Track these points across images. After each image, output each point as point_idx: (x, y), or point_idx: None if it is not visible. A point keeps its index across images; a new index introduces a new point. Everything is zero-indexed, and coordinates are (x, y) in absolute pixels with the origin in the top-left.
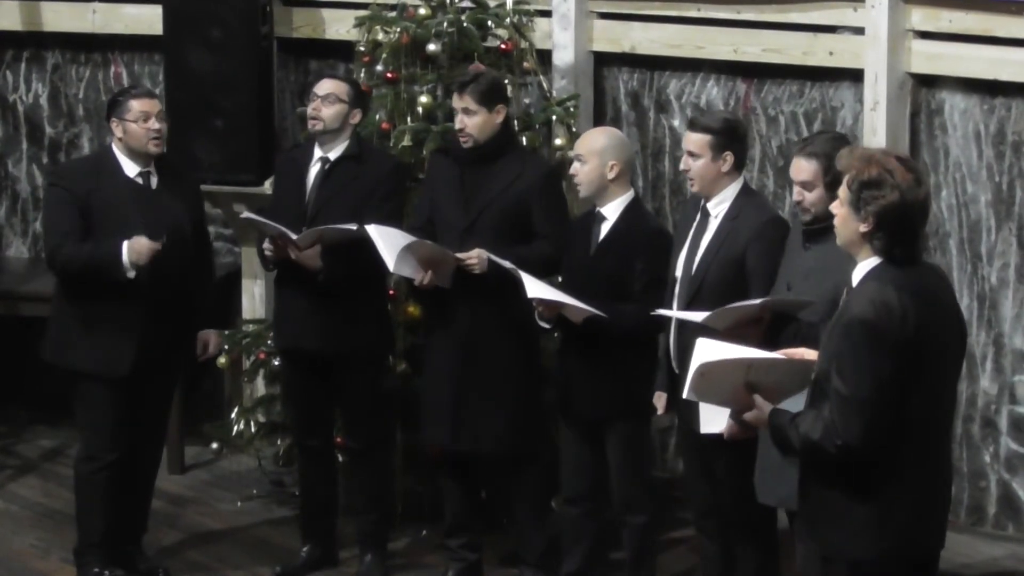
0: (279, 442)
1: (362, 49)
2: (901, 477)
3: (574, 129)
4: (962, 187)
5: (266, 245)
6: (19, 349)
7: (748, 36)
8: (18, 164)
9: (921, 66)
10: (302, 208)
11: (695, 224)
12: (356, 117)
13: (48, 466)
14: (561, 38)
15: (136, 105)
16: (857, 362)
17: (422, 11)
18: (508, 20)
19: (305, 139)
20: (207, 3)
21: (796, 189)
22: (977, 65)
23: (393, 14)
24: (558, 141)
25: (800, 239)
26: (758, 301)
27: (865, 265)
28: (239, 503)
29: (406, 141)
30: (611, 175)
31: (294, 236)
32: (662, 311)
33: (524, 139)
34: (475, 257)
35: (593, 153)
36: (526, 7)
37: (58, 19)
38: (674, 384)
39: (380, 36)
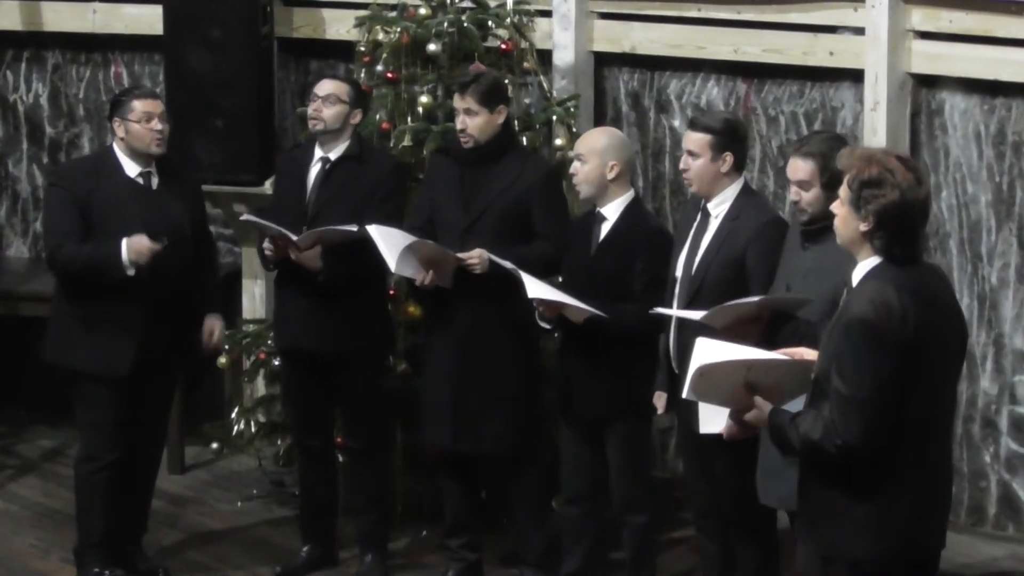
0: (279, 442)
1: (362, 49)
2: (901, 477)
3: (574, 129)
4: (962, 187)
5: (266, 245)
6: (19, 349)
7: (748, 36)
8: (18, 164)
9: (921, 66)
10: (302, 208)
11: (695, 224)
12: (357, 117)
13: (48, 466)
14: (561, 38)
15: (139, 105)
16: (857, 362)
17: (422, 11)
18: (508, 20)
19: (305, 139)
20: (207, 3)
21: (793, 189)
22: (977, 65)
23: (393, 14)
24: (558, 141)
25: (799, 239)
26: (756, 299)
27: (865, 265)
28: (239, 503)
29: (406, 141)
30: (611, 175)
31: (294, 237)
32: (661, 309)
33: (524, 139)
34: (476, 257)
35: (593, 153)
36: (526, 7)
37: (58, 19)
38: (674, 384)
39: (380, 36)
